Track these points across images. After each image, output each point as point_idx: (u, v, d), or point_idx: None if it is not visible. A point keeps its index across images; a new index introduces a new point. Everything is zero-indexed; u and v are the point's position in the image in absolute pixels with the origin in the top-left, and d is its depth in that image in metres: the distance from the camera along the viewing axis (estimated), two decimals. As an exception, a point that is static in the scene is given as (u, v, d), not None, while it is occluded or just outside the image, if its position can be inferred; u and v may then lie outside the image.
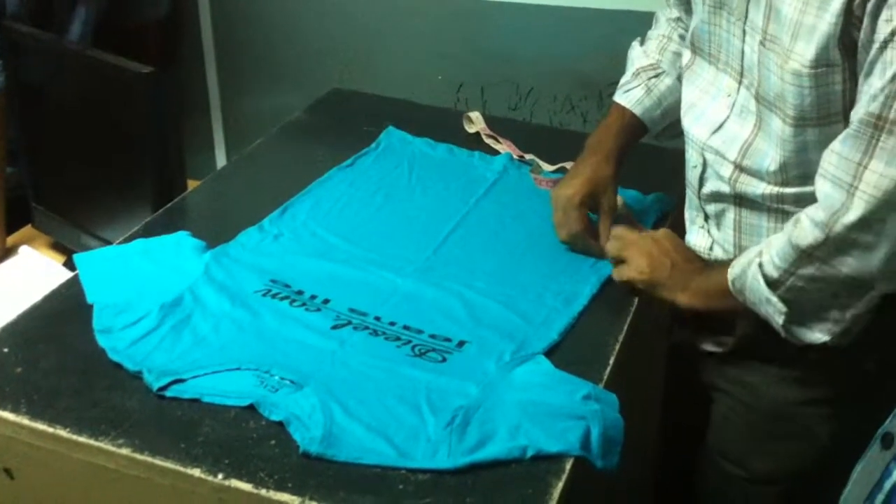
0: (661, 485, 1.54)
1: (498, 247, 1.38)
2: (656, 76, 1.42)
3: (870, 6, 0.99)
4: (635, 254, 1.27)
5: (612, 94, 1.44)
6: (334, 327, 1.16)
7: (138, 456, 0.96)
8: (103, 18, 2.04)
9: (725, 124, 1.21)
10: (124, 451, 0.97)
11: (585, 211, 1.36)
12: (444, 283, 1.27)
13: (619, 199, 1.41)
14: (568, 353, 1.15)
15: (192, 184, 1.59)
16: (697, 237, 1.30)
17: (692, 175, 1.29)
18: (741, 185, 1.19)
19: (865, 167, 1.01)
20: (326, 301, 1.21)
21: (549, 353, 1.14)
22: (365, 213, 1.45)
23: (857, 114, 1.02)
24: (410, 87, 1.58)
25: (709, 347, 1.31)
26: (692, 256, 1.27)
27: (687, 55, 1.30)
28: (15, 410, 1.02)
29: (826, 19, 1.02)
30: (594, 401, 1.03)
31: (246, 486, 0.93)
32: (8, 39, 1.71)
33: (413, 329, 1.17)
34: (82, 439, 0.98)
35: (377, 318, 1.18)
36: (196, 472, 0.94)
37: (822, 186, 1.06)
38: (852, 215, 1.02)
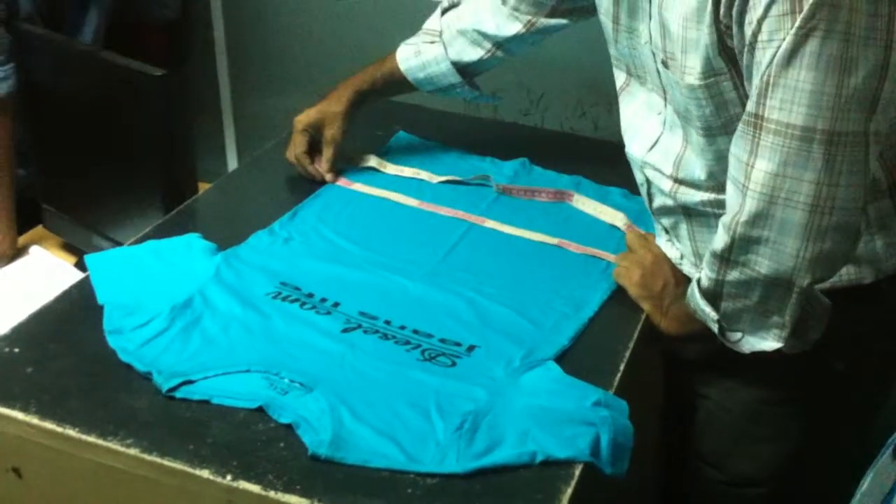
0: (665, 490, 1.54)
1: (508, 252, 1.38)
2: (431, 42, 1.52)
3: (734, 14, 1.02)
4: (632, 264, 1.28)
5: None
6: (344, 331, 1.16)
7: (147, 456, 0.96)
8: (114, 19, 2.04)
9: (660, 140, 1.23)
10: (133, 451, 0.97)
11: (307, 137, 1.52)
12: (454, 287, 1.26)
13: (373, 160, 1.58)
14: (578, 358, 1.14)
15: (202, 186, 1.59)
16: (667, 249, 1.32)
17: (642, 192, 1.31)
18: (681, 196, 1.21)
19: (752, 166, 1.03)
20: (336, 304, 1.21)
21: (559, 358, 1.14)
22: (375, 216, 1.45)
23: (743, 116, 1.04)
24: (421, 91, 1.58)
25: (689, 356, 1.32)
26: (683, 280, 1.27)
27: (621, 77, 1.31)
28: (24, 410, 1.02)
29: (704, 31, 1.06)
30: (604, 407, 1.03)
31: (254, 488, 0.93)
32: (20, 40, 1.72)
33: (423, 333, 1.17)
34: (91, 439, 0.98)
35: (387, 322, 1.18)
36: (205, 474, 0.94)
37: (727, 187, 1.09)
38: (745, 214, 1.04)
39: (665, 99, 1.21)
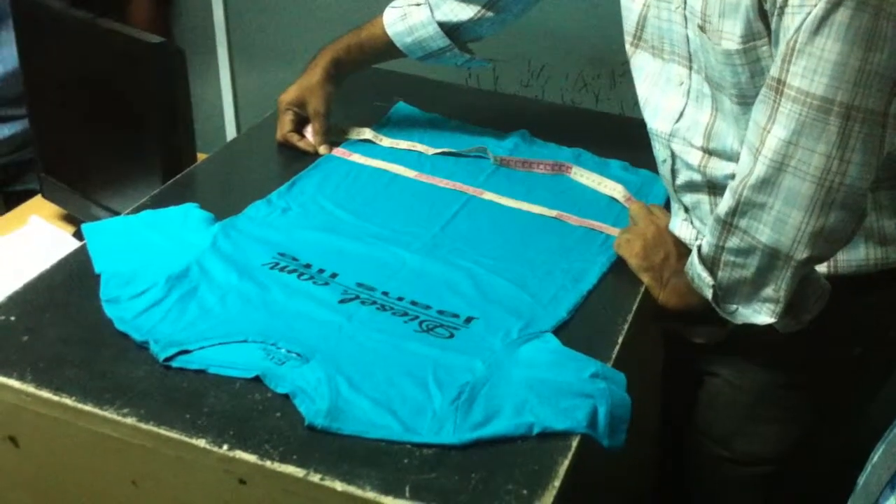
0: (662, 465, 1.55)
1: (507, 224, 1.37)
2: (417, 4, 1.49)
3: None
4: (634, 234, 1.28)
5: (626, 73, 1.44)
6: (342, 301, 1.15)
7: (143, 425, 0.96)
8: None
9: (685, 112, 1.22)
10: (129, 420, 0.97)
11: (292, 116, 1.52)
12: (453, 259, 1.26)
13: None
14: (576, 331, 1.14)
15: (200, 157, 1.58)
16: (682, 229, 1.30)
17: (664, 170, 1.29)
18: (711, 169, 1.20)
19: (768, 131, 1.02)
20: (334, 275, 1.20)
21: (557, 331, 1.13)
22: (373, 188, 1.44)
23: (765, 80, 1.03)
24: (417, 62, 1.56)
25: (699, 340, 1.31)
26: (686, 253, 1.27)
27: (628, 50, 1.30)
28: (21, 378, 1.02)
29: None
30: (602, 379, 1.03)
31: (251, 458, 0.93)
32: (17, 8, 1.70)
33: (421, 304, 1.16)
34: (87, 408, 0.98)
35: (385, 293, 1.18)
36: (201, 443, 0.94)
37: (742, 152, 1.08)
38: (753, 178, 1.04)
39: (690, 68, 1.19)
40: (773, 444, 1.32)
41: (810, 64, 0.97)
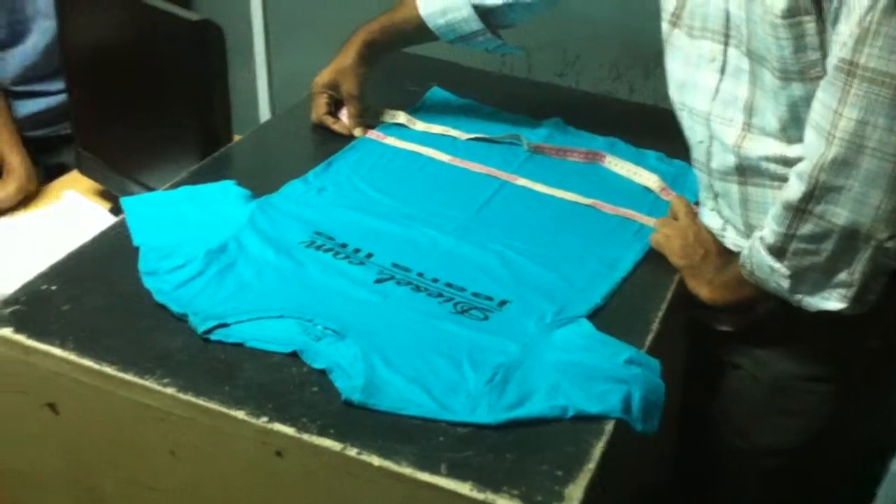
0: (680, 455, 1.55)
1: (541, 210, 1.38)
2: None
3: None
4: (674, 234, 1.28)
5: (660, 65, 1.43)
6: (377, 281, 1.16)
7: (182, 396, 0.98)
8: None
9: (721, 88, 1.20)
10: (169, 390, 0.98)
11: (326, 98, 1.54)
12: (487, 243, 1.26)
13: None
14: (610, 317, 1.14)
15: (235, 139, 1.59)
16: (709, 219, 1.30)
17: (699, 151, 1.28)
18: (746, 150, 1.18)
19: (840, 114, 1.01)
20: (370, 255, 1.21)
21: (591, 316, 1.14)
22: (409, 170, 1.45)
23: (832, 61, 1.02)
24: (456, 48, 1.57)
25: (723, 327, 1.31)
26: (725, 250, 1.26)
27: (665, 28, 1.29)
28: (62, 346, 1.03)
29: None
30: (636, 365, 1.03)
31: (289, 430, 0.94)
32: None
33: (455, 286, 1.17)
34: (128, 377, 1.00)
35: (420, 275, 1.19)
36: (240, 415, 0.95)
37: (807, 135, 1.07)
38: (829, 161, 1.03)
39: (725, 43, 1.18)
40: (790, 436, 1.31)
41: (887, 44, 0.97)
